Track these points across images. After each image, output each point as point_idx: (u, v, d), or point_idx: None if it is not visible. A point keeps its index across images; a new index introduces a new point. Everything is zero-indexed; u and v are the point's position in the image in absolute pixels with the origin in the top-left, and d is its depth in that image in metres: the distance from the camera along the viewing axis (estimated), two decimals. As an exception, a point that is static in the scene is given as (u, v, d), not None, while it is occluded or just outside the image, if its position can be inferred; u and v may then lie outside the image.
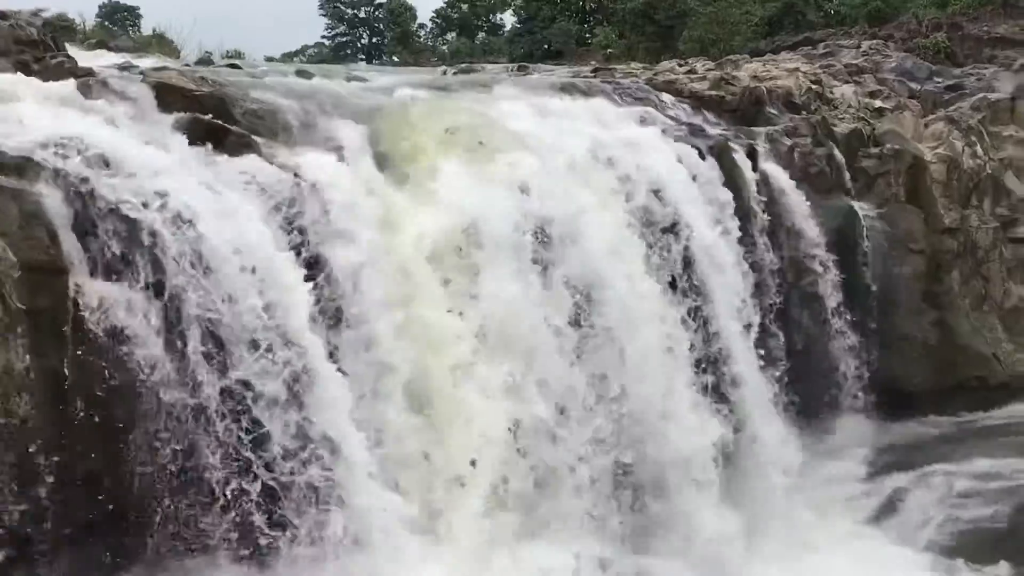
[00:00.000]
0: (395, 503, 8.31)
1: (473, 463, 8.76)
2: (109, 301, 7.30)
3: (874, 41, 20.95)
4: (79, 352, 7.18)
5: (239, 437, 7.65)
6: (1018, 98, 16.74)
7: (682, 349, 10.65)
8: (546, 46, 36.91)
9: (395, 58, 43.79)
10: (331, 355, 8.27)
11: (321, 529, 7.93)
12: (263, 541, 7.78)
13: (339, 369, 8.24)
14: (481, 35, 47.57)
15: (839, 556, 10.68)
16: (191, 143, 8.64)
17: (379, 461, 8.26)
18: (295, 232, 8.58)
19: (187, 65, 13.40)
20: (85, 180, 7.44)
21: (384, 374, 8.64)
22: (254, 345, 7.76)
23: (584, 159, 10.79)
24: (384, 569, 8.12)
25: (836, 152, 14.04)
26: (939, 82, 17.92)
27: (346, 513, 8.00)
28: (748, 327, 11.43)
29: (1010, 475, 11.71)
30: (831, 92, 15.88)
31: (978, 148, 15.29)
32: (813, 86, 15.72)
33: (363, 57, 50.29)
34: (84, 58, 10.55)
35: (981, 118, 15.99)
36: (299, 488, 7.85)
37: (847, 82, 16.57)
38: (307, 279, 8.28)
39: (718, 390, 10.87)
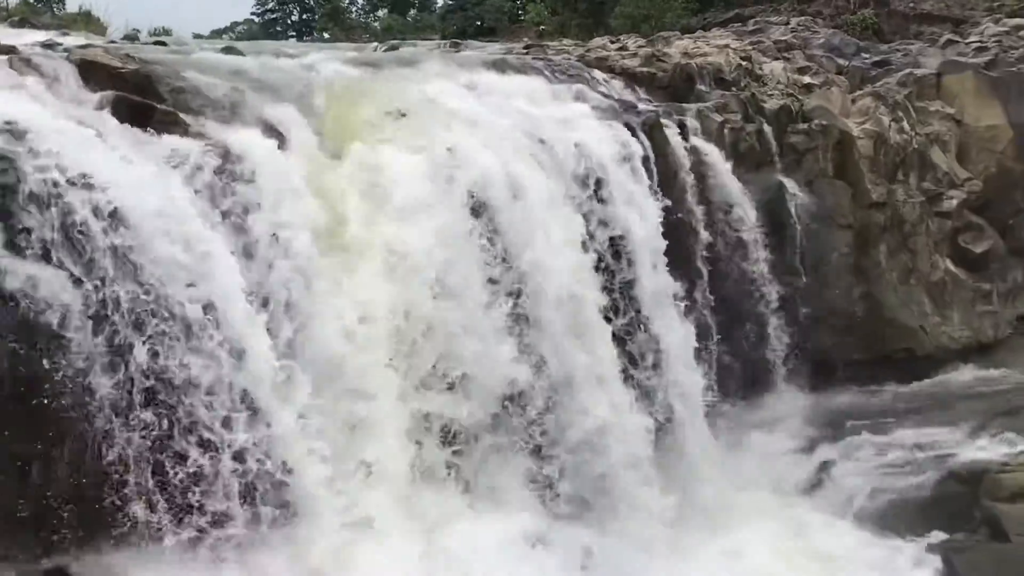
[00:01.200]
0: (327, 480, 8.31)
1: (403, 439, 8.76)
2: (28, 280, 7.16)
3: (803, 18, 21.13)
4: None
5: (167, 419, 7.60)
6: (943, 74, 16.98)
7: (612, 325, 10.71)
8: (478, 23, 36.84)
9: (326, 35, 43.31)
10: (264, 335, 8.24)
11: (253, 510, 7.90)
12: (194, 525, 7.72)
13: (273, 349, 8.22)
14: (413, 12, 47.33)
15: (769, 528, 10.82)
16: (117, 121, 8.51)
17: (310, 437, 8.24)
18: (223, 210, 8.48)
19: (113, 42, 13.14)
20: (5, 159, 7.29)
21: (316, 352, 8.61)
22: (184, 327, 7.69)
23: (516, 136, 10.77)
24: (318, 547, 8.13)
25: (766, 128, 14.14)
26: (866, 58, 18.13)
27: (277, 494, 7.97)
28: (678, 302, 11.47)
29: (937, 445, 11.90)
30: (760, 69, 15.98)
31: (904, 123, 15.48)
32: (743, 63, 15.81)
33: (293, 34, 49.82)
34: (7, 35, 10.33)
35: (907, 93, 16.19)
36: (230, 468, 7.80)
37: (776, 58, 16.69)
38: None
39: (649, 365, 10.94)
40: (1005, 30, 19.38)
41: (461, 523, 8.90)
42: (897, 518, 10.96)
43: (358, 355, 8.90)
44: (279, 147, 9.19)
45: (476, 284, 9.46)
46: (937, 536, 10.57)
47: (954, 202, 15.71)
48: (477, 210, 9.69)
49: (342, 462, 8.53)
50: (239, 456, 7.83)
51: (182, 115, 9.12)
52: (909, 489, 11.27)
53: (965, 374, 14.74)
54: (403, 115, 10.09)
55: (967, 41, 18.91)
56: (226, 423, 7.80)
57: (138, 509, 7.53)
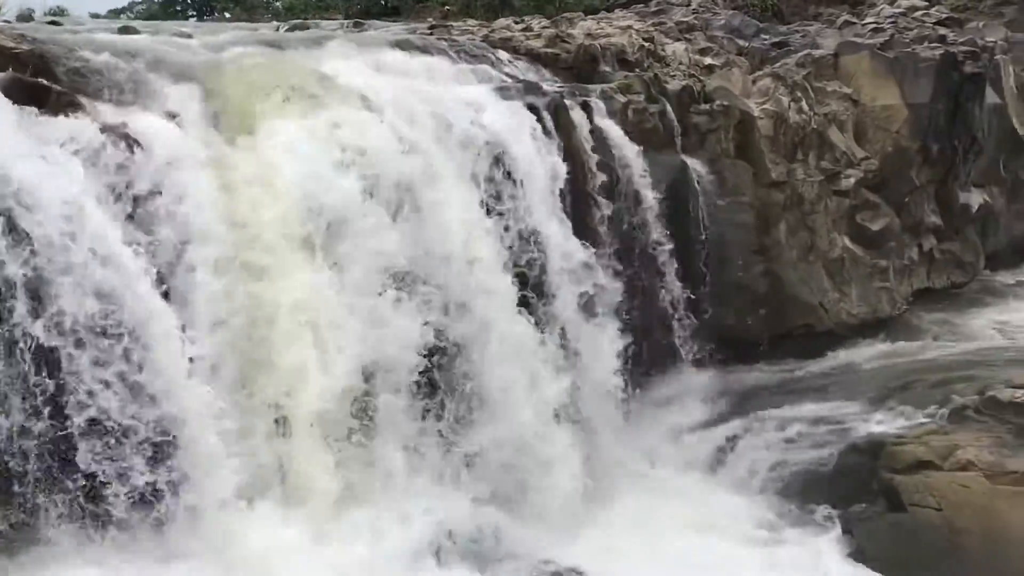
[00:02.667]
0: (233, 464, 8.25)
1: (313, 424, 8.72)
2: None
3: (704, -1, 21.38)
4: None
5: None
6: (841, 54, 17.28)
7: (522, 306, 10.76)
8: (383, 2, 36.40)
9: (227, 15, 42.50)
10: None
11: (158, 490, 7.84)
12: (99, 506, 7.65)
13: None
14: (316, -9, 46.61)
15: (674, 504, 10.98)
16: (11, 103, 8.30)
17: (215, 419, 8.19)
18: (121, 193, 8.34)
19: (7, 22, 12.79)
20: None
21: (218, 331, 8.52)
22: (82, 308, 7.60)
23: (421, 116, 10.73)
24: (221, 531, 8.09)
25: (668, 108, 14.22)
26: (766, 39, 18.40)
27: (182, 478, 7.91)
28: (583, 280, 11.54)
29: (837, 418, 12.14)
30: (663, 49, 16.12)
31: (803, 103, 15.71)
32: (646, 43, 15.93)
33: (194, 13, 48.71)
34: None
35: (806, 74, 16.44)
36: (134, 446, 7.72)
37: (678, 39, 16.85)
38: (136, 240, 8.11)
39: (557, 344, 11.00)
40: (900, 11, 19.86)
41: (366, 508, 8.89)
42: (799, 490, 11.22)
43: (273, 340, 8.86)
44: (178, 128, 9.04)
45: (373, 271, 9.42)
46: (838, 508, 10.84)
47: (852, 181, 16.00)
48: (374, 191, 9.65)
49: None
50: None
51: (80, 97, 8.92)
52: (811, 462, 11.51)
53: (864, 349, 15.04)
54: (308, 96, 9.97)
55: (864, 22, 19.35)
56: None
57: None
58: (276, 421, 8.91)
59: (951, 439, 10.73)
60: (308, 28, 16.47)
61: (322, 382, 8.91)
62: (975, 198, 18.56)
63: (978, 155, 18.46)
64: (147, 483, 7.97)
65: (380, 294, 9.42)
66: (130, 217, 8.39)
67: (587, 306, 11.45)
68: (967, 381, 12.47)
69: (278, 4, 43.17)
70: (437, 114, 10.89)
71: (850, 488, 11.03)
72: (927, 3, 22.09)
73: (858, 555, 10.27)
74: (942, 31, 18.54)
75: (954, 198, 18.03)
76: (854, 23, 19.44)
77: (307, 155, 9.42)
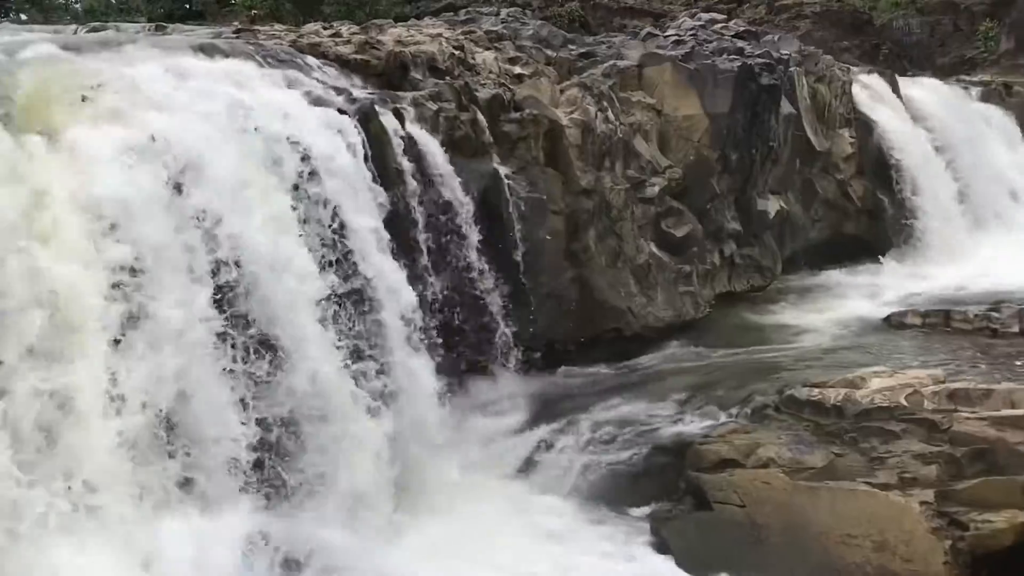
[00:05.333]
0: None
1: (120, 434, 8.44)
2: None
3: (512, 9, 21.67)
4: None
5: None
6: (644, 65, 17.76)
7: (336, 315, 10.65)
8: (187, 5, 35.63)
9: (23, 16, 40.74)
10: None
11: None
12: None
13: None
14: (117, -7, 45.11)
15: (490, 509, 11.05)
16: None
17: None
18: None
19: None
20: None
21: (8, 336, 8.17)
22: None
23: (225, 122, 10.49)
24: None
25: (479, 116, 14.31)
26: (573, 49, 18.73)
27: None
28: (399, 289, 11.51)
29: (645, 420, 12.42)
30: (473, 58, 16.20)
31: (609, 113, 16.06)
32: (456, 52, 15.97)
33: (-15, 14, 46.52)
34: None
35: (612, 84, 16.83)
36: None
37: (488, 48, 16.95)
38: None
39: (370, 355, 10.93)
40: (701, 24, 20.53)
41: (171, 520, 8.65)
42: (610, 492, 11.43)
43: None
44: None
45: (181, 276, 9.18)
46: (647, 507, 11.10)
47: (656, 188, 16.45)
48: (181, 195, 9.42)
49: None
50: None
51: None
52: (621, 463, 11.74)
53: (670, 352, 15.46)
54: (105, 100, 9.63)
55: (666, 34, 19.90)
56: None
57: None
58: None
59: (753, 438, 11.11)
60: (108, 31, 15.92)
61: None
62: (772, 205, 19.36)
63: (774, 163, 19.30)
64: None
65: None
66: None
67: (400, 315, 11.39)
68: (767, 381, 12.95)
69: (77, 6, 41.64)
70: (243, 119, 10.65)
71: (659, 488, 11.30)
72: (726, 16, 22.95)
73: (666, 553, 10.50)
74: (740, 44, 19.24)
75: (753, 205, 18.77)
76: (657, 35, 20.00)
77: (102, 159, 9.09)
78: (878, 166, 22.30)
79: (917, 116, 23.97)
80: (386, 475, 10.47)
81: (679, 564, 10.33)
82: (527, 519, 11.04)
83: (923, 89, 26.12)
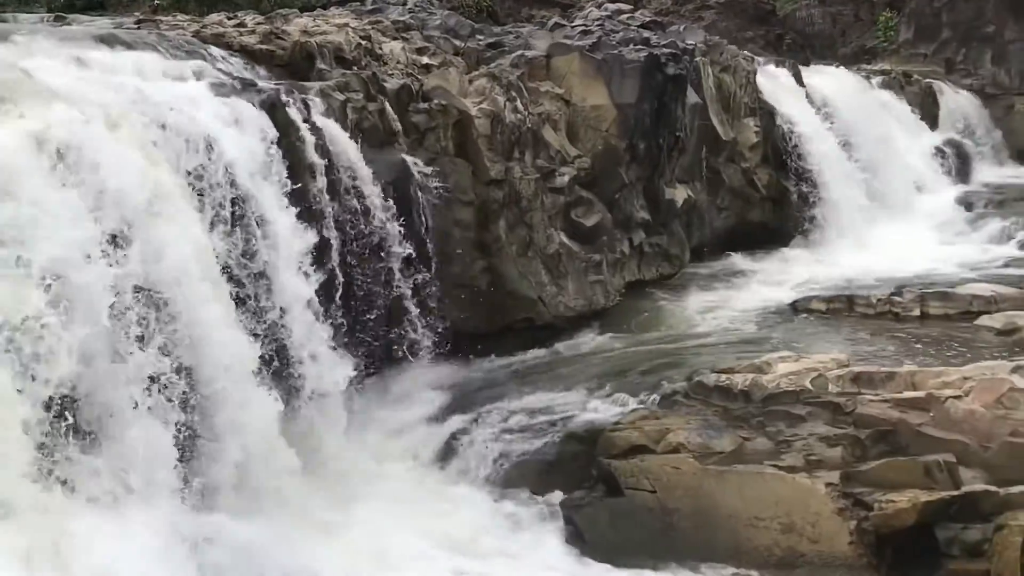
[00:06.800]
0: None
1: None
2: None
3: (420, -1, 21.55)
4: None
5: None
6: (552, 56, 17.83)
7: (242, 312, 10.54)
8: (88, -6, 34.77)
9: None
10: None
11: None
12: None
13: None
14: (14, -18, 43.94)
15: (404, 500, 11.05)
16: None
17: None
18: None
19: None
20: None
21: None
22: None
23: (127, 115, 10.27)
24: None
25: (388, 107, 14.26)
26: (481, 40, 18.74)
27: None
28: (309, 283, 11.41)
29: (557, 408, 12.54)
30: (380, 48, 16.13)
31: (518, 103, 16.10)
32: (363, 42, 15.89)
33: None
34: None
35: (520, 74, 16.86)
36: None
37: (395, 38, 16.89)
38: None
39: (280, 353, 10.84)
40: (607, 14, 20.66)
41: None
42: (523, 480, 11.50)
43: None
44: None
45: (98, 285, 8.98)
46: (559, 495, 11.17)
47: (566, 178, 16.53)
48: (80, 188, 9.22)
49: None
50: None
51: None
52: (534, 452, 11.82)
53: (581, 340, 15.59)
54: (5, 98, 9.37)
55: (573, 25, 20.00)
56: None
57: None
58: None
59: (663, 423, 11.25)
60: (4, 22, 15.54)
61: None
62: (680, 194, 19.59)
63: (681, 153, 19.52)
64: None
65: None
66: None
67: (310, 309, 11.31)
68: (676, 367, 13.16)
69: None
70: (145, 112, 10.44)
71: (571, 475, 11.39)
72: (632, 7, 23.14)
73: (578, 541, 10.60)
74: (646, 34, 19.41)
75: (660, 194, 18.96)
76: (564, 25, 20.09)
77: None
78: (782, 154, 22.66)
79: (820, 104, 24.43)
80: (298, 468, 10.39)
81: (591, 551, 10.42)
82: (442, 509, 11.06)
83: (826, 77, 26.67)
